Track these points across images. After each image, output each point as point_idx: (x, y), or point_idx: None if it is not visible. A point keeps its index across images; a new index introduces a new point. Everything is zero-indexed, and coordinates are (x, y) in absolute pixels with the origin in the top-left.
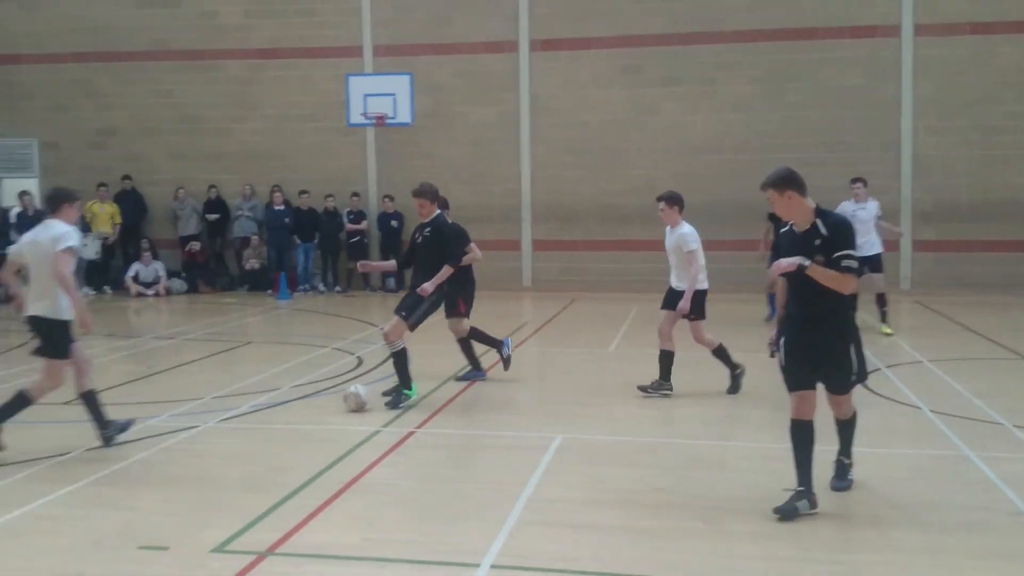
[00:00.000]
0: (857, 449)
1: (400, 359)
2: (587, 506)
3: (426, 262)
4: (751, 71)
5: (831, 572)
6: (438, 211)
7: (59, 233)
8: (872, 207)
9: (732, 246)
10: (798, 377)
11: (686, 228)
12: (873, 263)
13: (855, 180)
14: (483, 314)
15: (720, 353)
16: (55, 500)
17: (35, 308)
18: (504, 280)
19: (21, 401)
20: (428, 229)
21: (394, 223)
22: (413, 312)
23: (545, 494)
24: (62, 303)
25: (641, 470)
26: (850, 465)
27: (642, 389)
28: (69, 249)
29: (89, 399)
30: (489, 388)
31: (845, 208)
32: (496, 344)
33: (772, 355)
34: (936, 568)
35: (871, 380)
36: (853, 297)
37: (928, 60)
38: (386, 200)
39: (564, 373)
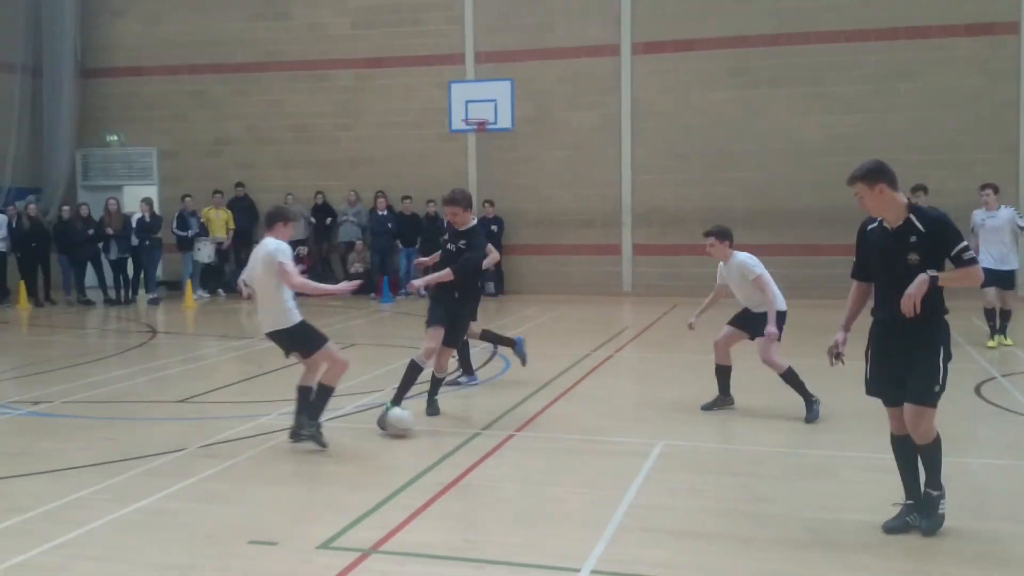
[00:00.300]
0: (972, 460)
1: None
2: (689, 514)
3: None
4: (862, 71)
5: None
6: (474, 220)
7: (270, 250)
8: (1005, 215)
9: (847, 251)
10: (887, 391)
11: (741, 256)
12: (1006, 279)
13: (984, 186)
14: (583, 319)
15: (790, 377)
16: (170, 495)
17: (267, 324)
18: (604, 285)
19: (324, 392)
20: (463, 241)
21: (494, 228)
22: (460, 339)
23: (646, 501)
24: (288, 311)
25: (744, 479)
26: (940, 496)
27: (706, 408)
28: (284, 264)
29: (302, 393)
30: (588, 393)
31: (975, 217)
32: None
33: (832, 363)
34: None
35: (985, 389)
36: (942, 298)
37: None
38: (486, 205)
39: (665, 379)
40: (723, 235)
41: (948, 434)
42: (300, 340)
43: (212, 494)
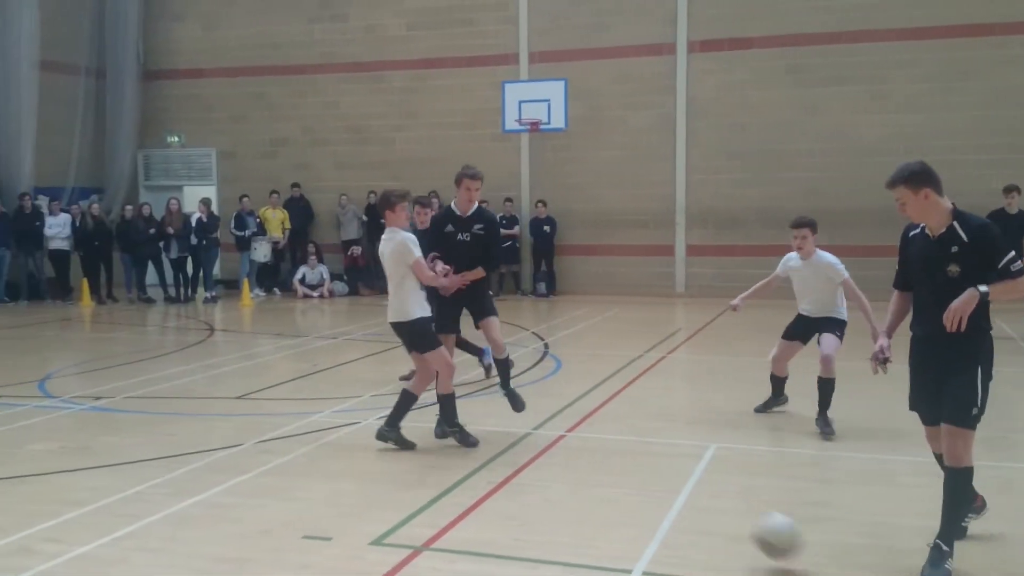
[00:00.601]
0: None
1: (505, 364)
2: (741, 517)
3: (473, 263)
4: (923, 70)
5: None
6: (477, 203)
7: (397, 243)
8: None
9: None
10: (923, 409)
11: (830, 257)
12: None
13: None
14: (635, 320)
15: (827, 386)
16: (226, 489)
17: (392, 315)
18: (657, 286)
19: (445, 400)
20: (480, 227)
21: (546, 228)
22: (490, 306)
23: (698, 503)
24: (411, 304)
25: (799, 482)
26: (948, 554)
27: (759, 410)
28: (417, 261)
29: (405, 397)
30: (640, 395)
31: None
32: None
33: (876, 371)
34: None
35: None
36: (987, 313)
37: None
38: (539, 205)
39: (718, 381)
40: (816, 227)
41: (1010, 440)
42: (417, 336)
43: (267, 489)
